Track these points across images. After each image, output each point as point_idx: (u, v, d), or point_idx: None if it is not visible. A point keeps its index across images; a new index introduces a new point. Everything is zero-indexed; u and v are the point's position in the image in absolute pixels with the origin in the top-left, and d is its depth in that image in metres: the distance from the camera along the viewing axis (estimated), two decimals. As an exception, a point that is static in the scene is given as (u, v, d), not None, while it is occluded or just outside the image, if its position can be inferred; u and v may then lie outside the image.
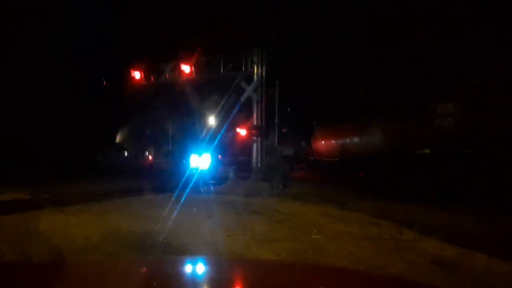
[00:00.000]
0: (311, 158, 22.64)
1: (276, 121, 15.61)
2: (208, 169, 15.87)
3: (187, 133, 30.11)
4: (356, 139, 18.64)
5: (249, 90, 14.36)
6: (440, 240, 5.57)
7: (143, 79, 16.94)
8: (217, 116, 17.27)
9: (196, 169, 14.68)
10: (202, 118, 22.75)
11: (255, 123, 14.49)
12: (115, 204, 9.21)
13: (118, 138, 35.13)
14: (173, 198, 9.78)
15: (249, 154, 16.13)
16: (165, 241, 5.30)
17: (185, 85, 17.16)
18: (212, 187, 14.32)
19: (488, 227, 6.43)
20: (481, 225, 6.56)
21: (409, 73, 16.39)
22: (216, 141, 17.06)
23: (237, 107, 15.02)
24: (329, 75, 25.68)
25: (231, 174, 17.51)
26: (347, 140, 19.47)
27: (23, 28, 23.01)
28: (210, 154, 15.83)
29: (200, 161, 15.11)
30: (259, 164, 14.46)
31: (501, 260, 4.51)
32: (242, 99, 14.52)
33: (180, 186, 11.73)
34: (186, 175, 14.03)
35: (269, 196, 10.70)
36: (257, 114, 14.49)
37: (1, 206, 8.65)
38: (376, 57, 20.28)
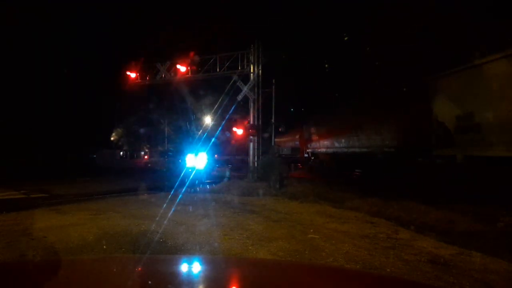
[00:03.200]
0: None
1: (272, 120, 15.59)
2: (204, 169, 15.86)
3: (183, 133, 30.11)
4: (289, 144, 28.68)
5: (245, 89, 14.34)
6: (437, 238, 5.59)
7: (139, 79, 16.90)
8: (213, 116, 17.26)
9: (192, 168, 14.65)
10: (198, 117, 22.74)
11: (251, 122, 14.48)
12: (111, 204, 9.16)
13: (113, 138, 35.01)
14: (169, 198, 9.76)
15: (246, 153, 16.12)
16: (161, 240, 5.27)
17: (181, 84, 17.13)
18: (208, 187, 14.31)
19: (485, 226, 6.46)
20: (478, 223, 6.59)
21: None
22: (212, 140, 17.05)
23: (233, 107, 15.01)
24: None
25: (227, 173, 17.51)
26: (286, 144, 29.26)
27: (20, 29, 22.92)
28: (206, 153, 15.82)
29: (196, 160, 15.09)
30: (255, 163, 14.44)
31: (498, 258, 4.52)
32: (239, 98, 14.51)
33: (176, 186, 11.72)
34: (182, 174, 14.01)
35: (266, 196, 10.69)
36: (253, 113, 14.48)
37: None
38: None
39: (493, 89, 8.65)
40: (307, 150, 23.82)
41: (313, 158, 23.29)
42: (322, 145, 20.35)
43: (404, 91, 12.71)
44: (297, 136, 26.33)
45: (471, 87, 9.38)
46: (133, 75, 16.65)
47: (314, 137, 21.51)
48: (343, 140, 17.23)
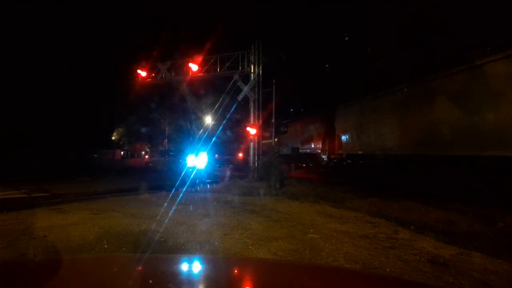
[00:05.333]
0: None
1: (273, 120, 15.59)
2: (204, 168, 15.87)
3: (184, 132, 30.10)
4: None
5: (246, 89, 14.35)
6: (437, 239, 5.60)
7: (140, 78, 16.89)
8: (213, 115, 17.27)
9: (193, 168, 14.67)
10: (199, 117, 22.77)
11: (252, 122, 14.49)
12: (112, 203, 9.18)
13: (114, 138, 35.04)
14: (169, 197, 9.80)
15: (246, 153, 16.15)
16: (162, 240, 5.29)
17: (182, 84, 17.13)
18: (209, 186, 14.33)
19: (485, 226, 6.47)
20: (478, 223, 6.60)
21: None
22: (213, 140, 17.06)
23: (234, 107, 15.02)
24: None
25: (228, 173, 17.53)
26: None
27: (20, 28, 22.92)
28: (207, 153, 15.83)
29: (197, 160, 15.10)
30: (256, 163, 14.46)
31: (498, 258, 4.53)
32: (239, 98, 14.52)
33: (176, 185, 11.75)
34: (182, 174, 14.03)
35: (266, 195, 10.71)
36: (254, 113, 14.48)
37: (-3, 205, 8.60)
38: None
39: (358, 121, 16.02)
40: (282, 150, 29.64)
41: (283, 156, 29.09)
42: (290, 146, 26.41)
43: (327, 115, 19.58)
44: (276, 140, 30.42)
45: (348, 118, 17.16)
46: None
47: (284, 141, 26.94)
48: (299, 144, 24.58)
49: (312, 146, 22.26)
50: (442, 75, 10.54)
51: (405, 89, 12.35)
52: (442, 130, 10.15)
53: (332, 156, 18.99)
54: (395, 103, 12.95)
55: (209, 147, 16.38)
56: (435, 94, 10.66)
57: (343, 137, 17.35)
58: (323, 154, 20.21)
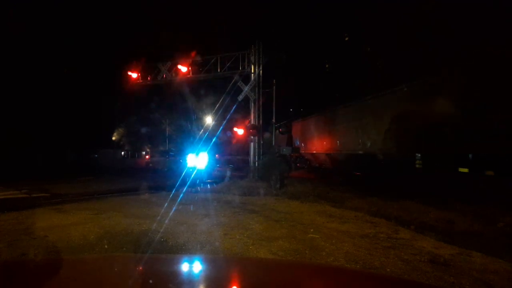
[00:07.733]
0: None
1: (273, 121, 15.60)
2: (205, 168, 15.87)
3: (184, 132, 30.10)
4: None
5: (246, 90, 14.36)
6: (437, 238, 5.60)
7: (140, 79, 16.90)
8: (214, 116, 17.26)
9: (193, 168, 14.66)
10: (199, 117, 22.79)
11: (252, 122, 14.49)
12: (112, 203, 9.19)
13: (114, 138, 35.04)
14: (170, 197, 9.80)
15: (247, 153, 16.15)
16: (162, 240, 5.30)
17: (182, 84, 17.14)
18: (209, 186, 14.33)
19: (485, 226, 6.46)
20: (478, 223, 6.60)
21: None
22: (213, 140, 17.06)
23: (234, 107, 15.03)
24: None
25: (228, 173, 17.53)
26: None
27: (20, 28, 22.93)
28: (207, 153, 15.82)
29: (197, 160, 15.09)
30: (256, 163, 14.46)
31: (498, 258, 4.54)
32: (240, 98, 14.52)
33: (177, 185, 11.75)
34: (183, 174, 14.03)
35: (266, 195, 10.71)
36: (254, 113, 14.48)
37: (-3, 205, 8.61)
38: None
39: (301, 133, 23.60)
40: None
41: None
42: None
43: (289, 124, 25.17)
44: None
45: (297, 129, 24.12)
46: (134, 75, 16.65)
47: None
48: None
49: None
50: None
51: (314, 115, 21.81)
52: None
53: (292, 155, 25.66)
54: (317, 122, 21.18)
55: (209, 147, 16.38)
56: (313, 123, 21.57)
57: (296, 142, 24.60)
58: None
